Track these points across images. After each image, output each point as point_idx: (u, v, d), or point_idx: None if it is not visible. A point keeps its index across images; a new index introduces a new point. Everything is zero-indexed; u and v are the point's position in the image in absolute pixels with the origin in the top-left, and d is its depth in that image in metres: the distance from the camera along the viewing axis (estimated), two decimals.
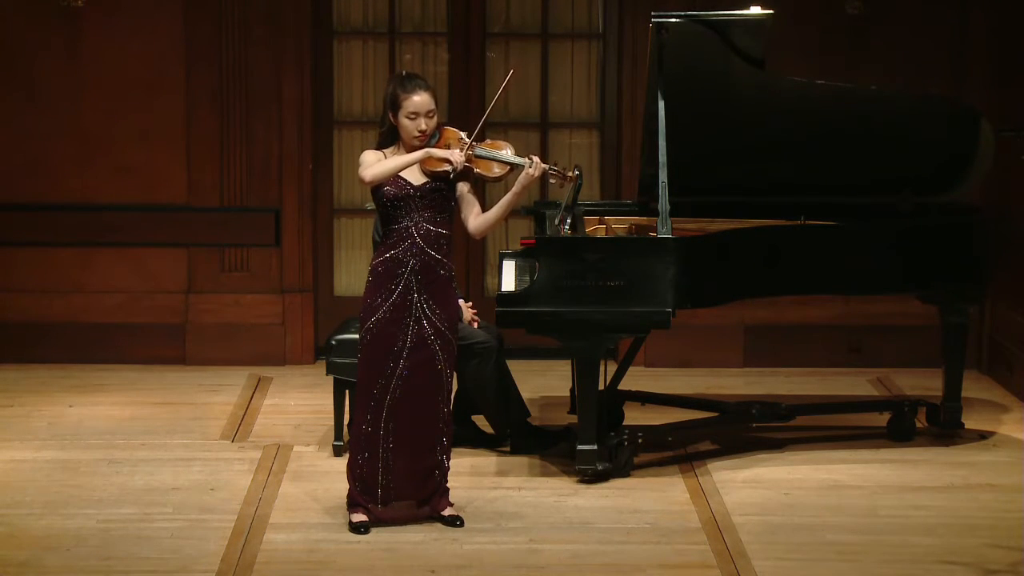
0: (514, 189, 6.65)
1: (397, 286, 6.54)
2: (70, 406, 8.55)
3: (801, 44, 9.24)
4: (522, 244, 7.38)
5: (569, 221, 7.45)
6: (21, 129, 9.42)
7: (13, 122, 9.41)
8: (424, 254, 6.54)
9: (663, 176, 7.23)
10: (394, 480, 6.60)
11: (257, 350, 9.51)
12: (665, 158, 7.23)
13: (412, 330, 6.55)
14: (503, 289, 7.33)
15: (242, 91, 9.41)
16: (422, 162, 6.56)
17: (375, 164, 6.50)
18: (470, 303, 7.88)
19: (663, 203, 7.22)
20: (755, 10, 7.39)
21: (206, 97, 9.43)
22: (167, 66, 9.41)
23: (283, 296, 9.57)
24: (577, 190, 7.54)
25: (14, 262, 9.46)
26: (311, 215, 9.54)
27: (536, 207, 8.29)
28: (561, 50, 9.74)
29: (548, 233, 7.62)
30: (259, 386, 9.03)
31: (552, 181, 6.93)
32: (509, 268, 7.50)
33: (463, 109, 9.50)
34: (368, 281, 6.62)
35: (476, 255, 9.72)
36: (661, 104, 7.29)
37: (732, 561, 6.27)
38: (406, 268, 6.54)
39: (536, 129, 9.76)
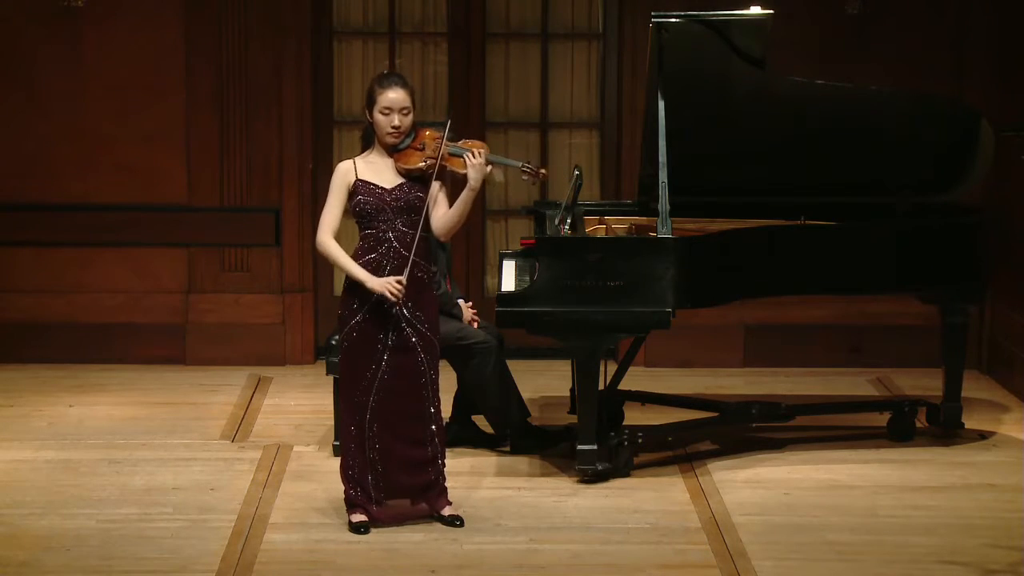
0: (468, 184, 6.57)
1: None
2: (70, 406, 8.55)
3: (801, 44, 9.24)
4: (522, 244, 7.39)
5: (569, 221, 7.46)
6: (21, 129, 9.42)
7: (13, 122, 9.41)
8: (401, 257, 6.53)
9: (663, 176, 7.23)
10: (384, 480, 6.59)
11: (257, 350, 9.51)
12: (665, 158, 7.23)
13: (392, 334, 6.54)
14: (503, 289, 7.33)
15: (242, 91, 9.41)
16: (396, 160, 6.56)
17: (329, 243, 6.53)
18: (470, 303, 7.88)
19: (663, 203, 7.22)
20: (755, 10, 7.39)
21: (206, 97, 9.43)
22: (167, 66, 9.42)
23: (283, 296, 9.57)
24: (577, 190, 7.55)
25: (14, 262, 9.47)
26: (311, 215, 9.53)
27: (536, 207, 8.29)
28: (561, 50, 9.75)
29: (548, 233, 7.62)
30: (259, 386, 9.03)
31: (525, 178, 6.91)
32: (509, 268, 7.50)
33: (463, 109, 9.50)
34: (346, 285, 6.62)
35: (476, 255, 9.72)
36: (661, 104, 7.29)
37: (732, 561, 6.27)
38: (384, 272, 6.52)
39: (536, 129, 9.76)
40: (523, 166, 6.85)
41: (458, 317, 7.67)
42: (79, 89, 9.40)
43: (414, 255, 6.49)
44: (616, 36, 9.58)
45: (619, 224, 7.98)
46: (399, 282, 6.45)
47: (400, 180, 6.58)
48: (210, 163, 9.47)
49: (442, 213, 6.60)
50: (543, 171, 6.90)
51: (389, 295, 6.45)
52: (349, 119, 9.69)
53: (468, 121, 9.48)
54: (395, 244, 6.54)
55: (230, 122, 9.44)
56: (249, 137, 9.46)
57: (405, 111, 6.56)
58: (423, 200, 6.53)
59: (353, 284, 6.57)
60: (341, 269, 6.59)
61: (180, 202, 9.52)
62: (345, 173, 6.61)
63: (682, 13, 7.42)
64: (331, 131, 9.68)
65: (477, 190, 6.60)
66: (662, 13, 7.35)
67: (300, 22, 9.44)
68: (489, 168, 6.66)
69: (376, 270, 6.53)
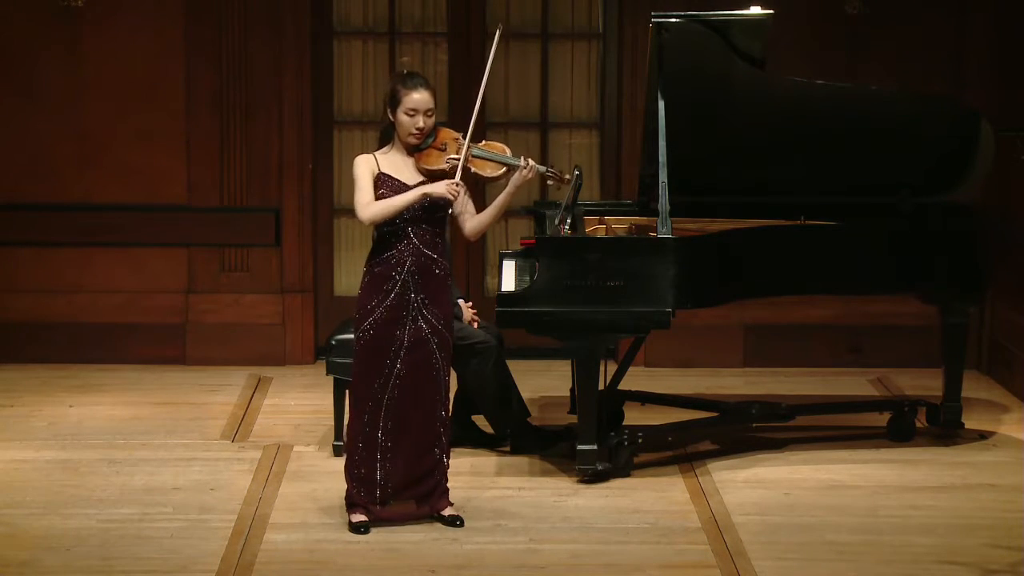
0: (507, 189, 6.66)
1: (394, 286, 6.54)
2: (70, 406, 8.55)
3: (801, 44, 9.24)
4: (522, 244, 7.39)
5: (569, 221, 7.46)
6: (21, 129, 9.42)
7: (13, 122, 9.41)
8: (420, 254, 6.54)
9: (663, 176, 7.23)
10: (392, 480, 6.60)
11: (257, 350, 9.51)
12: (665, 158, 7.23)
13: (409, 329, 6.55)
14: (503, 289, 7.33)
15: (242, 91, 9.41)
16: (417, 159, 6.58)
17: (371, 204, 6.49)
18: (470, 303, 7.88)
19: (663, 203, 7.23)
20: (755, 10, 7.39)
21: (206, 97, 9.43)
22: (167, 66, 9.42)
23: (283, 296, 9.57)
24: (577, 190, 7.55)
25: (14, 262, 9.47)
26: (311, 215, 9.54)
27: (536, 207, 8.29)
28: (561, 50, 9.75)
29: (548, 233, 7.62)
30: (259, 386, 9.03)
31: (550, 183, 6.95)
32: (509, 268, 7.51)
33: (463, 109, 9.49)
34: (364, 281, 6.62)
35: (476, 255, 9.72)
36: (661, 104, 7.29)
37: (732, 561, 6.27)
38: (403, 268, 6.54)
39: (536, 129, 9.76)
40: (547, 171, 6.83)
41: (458, 317, 7.67)
42: (79, 89, 9.40)
43: (439, 255, 6.53)
44: (616, 36, 9.58)
45: (619, 224, 7.98)
46: (456, 184, 6.48)
47: (421, 178, 6.58)
48: (210, 163, 9.47)
49: (471, 213, 6.64)
50: (567, 176, 6.92)
51: (451, 195, 6.46)
52: (349, 119, 9.69)
53: (468, 121, 9.46)
54: (415, 242, 6.54)
55: (230, 122, 9.44)
56: (249, 137, 9.46)
57: (429, 112, 6.56)
58: (445, 199, 6.54)
59: (372, 281, 6.57)
60: (399, 208, 6.48)
61: (180, 202, 9.52)
62: (368, 162, 6.59)
63: (682, 13, 7.42)
64: (331, 131, 9.68)
65: (514, 194, 6.65)
66: (662, 13, 7.35)
67: (300, 22, 9.45)
68: (533, 175, 6.67)
69: (394, 266, 6.52)
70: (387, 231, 6.56)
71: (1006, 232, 8.87)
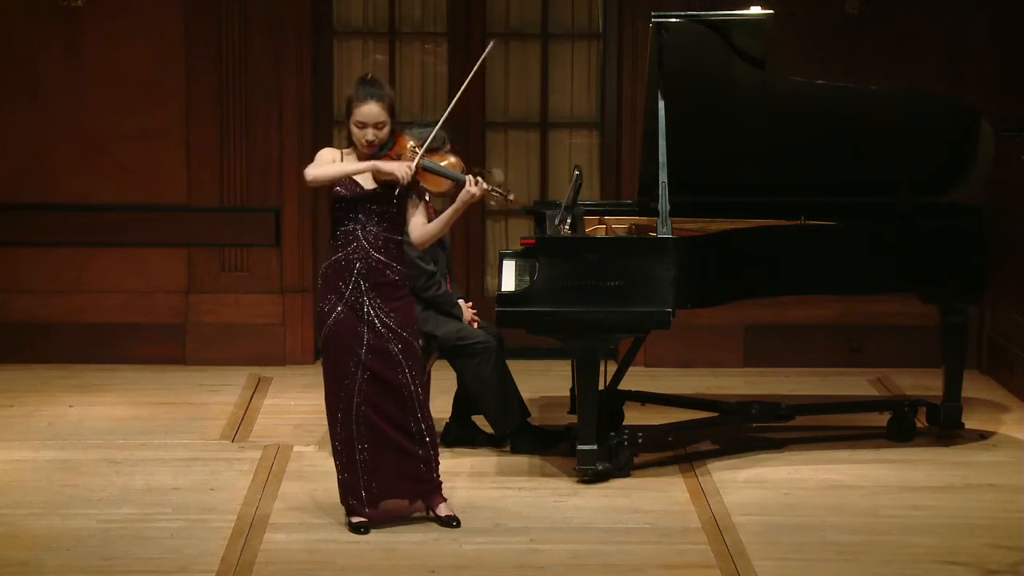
0: (454, 205, 6.58)
1: (347, 288, 6.51)
2: (70, 406, 8.55)
3: (801, 44, 9.24)
4: (522, 244, 7.39)
5: (569, 221, 7.46)
6: (22, 129, 9.42)
7: (13, 122, 9.41)
8: (370, 257, 6.49)
9: (663, 176, 7.23)
10: (376, 482, 6.56)
11: (257, 350, 9.51)
12: (665, 158, 7.23)
13: (367, 333, 6.50)
14: (503, 289, 7.33)
15: (242, 91, 9.41)
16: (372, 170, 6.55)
17: (320, 165, 6.48)
18: (470, 303, 7.88)
19: (663, 203, 7.23)
20: (755, 10, 7.39)
21: (206, 97, 9.43)
22: (167, 66, 9.42)
23: (283, 296, 9.57)
24: (577, 190, 7.55)
25: (14, 262, 9.47)
26: (311, 215, 9.53)
27: (536, 207, 8.29)
28: (561, 50, 9.75)
29: (548, 233, 7.62)
30: (259, 386, 9.03)
31: (492, 204, 6.83)
32: (509, 268, 7.51)
33: (462, 110, 9.48)
34: (318, 285, 6.61)
35: (476, 255, 9.72)
36: (661, 104, 7.29)
37: (732, 561, 6.27)
38: (353, 270, 6.50)
39: (536, 129, 9.76)
40: (492, 190, 6.73)
41: (458, 317, 7.68)
42: (79, 89, 9.40)
43: (391, 259, 6.49)
44: (616, 36, 9.58)
45: (619, 224, 7.98)
46: (411, 167, 6.40)
47: (374, 185, 6.53)
48: (210, 163, 9.47)
49: (420, 223, 6.59)
50: (512, 196, 6.84)
51: (401, 176, 6.36)
52: None
53: (468, 121, 9.48)
54: (365, 245, 6.50)
55: (230, 122, 9.44)
56: (249, 137, 9.46)
57: (380, 125, 6.49)
58: (397, 207, 6.51)
59: (325, 283, 6.55)
60: (344, 175, 6.45)
61: (180, 202, 9.52)
62: (331, 154, 6.57)
63: (682, 13, 7.42)
64: (331, 131, 9.67)
65: (461, 210, 6.59)
66: (662, 13, 7.35)
67: (300, 22, 9.45)
68: (479, 192, 6.61)
69: (345, 269, 6.49)
70: (339, 232, 6.54)
71: (1006, 232, 8.87)
